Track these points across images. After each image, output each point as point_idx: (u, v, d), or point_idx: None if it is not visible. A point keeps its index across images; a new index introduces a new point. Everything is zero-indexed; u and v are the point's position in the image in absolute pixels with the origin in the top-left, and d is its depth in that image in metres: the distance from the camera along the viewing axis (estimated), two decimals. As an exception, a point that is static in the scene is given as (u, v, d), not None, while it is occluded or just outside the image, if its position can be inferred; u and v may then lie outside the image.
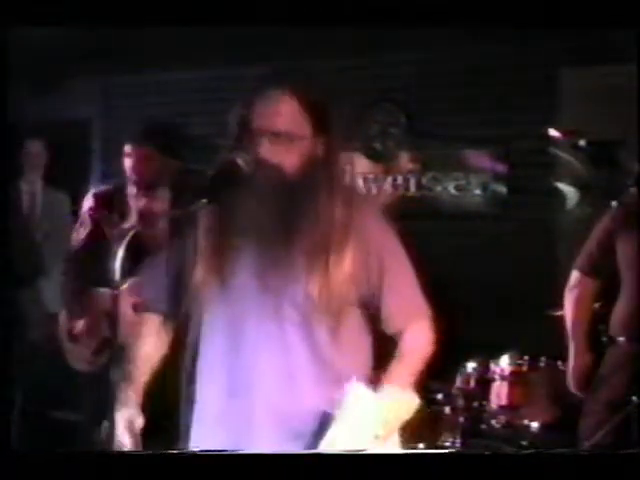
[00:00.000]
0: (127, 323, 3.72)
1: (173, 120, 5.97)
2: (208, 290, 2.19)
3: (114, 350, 2.16)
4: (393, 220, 2.29)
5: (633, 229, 3.40)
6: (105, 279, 3.73)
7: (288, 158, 2.13)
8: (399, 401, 2.11)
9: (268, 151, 2.12)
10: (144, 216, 3.81)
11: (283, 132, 2.13)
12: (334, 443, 2.02)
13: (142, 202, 3.84)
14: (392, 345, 2.24)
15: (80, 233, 3.93)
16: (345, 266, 2.14)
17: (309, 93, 2.17)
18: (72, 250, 3.91)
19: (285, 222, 2.14)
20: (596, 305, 3.64)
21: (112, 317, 3.69)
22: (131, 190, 3.87)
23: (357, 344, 2.23)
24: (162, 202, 3.82)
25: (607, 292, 3.60)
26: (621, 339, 3.41)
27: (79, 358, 3.85)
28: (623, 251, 3.44)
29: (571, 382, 3.57)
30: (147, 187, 3.82)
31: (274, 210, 2.14)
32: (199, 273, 2.18)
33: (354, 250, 2.15)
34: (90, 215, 3.91)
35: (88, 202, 3.96)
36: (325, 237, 2.13)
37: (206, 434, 2.19)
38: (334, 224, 2.14)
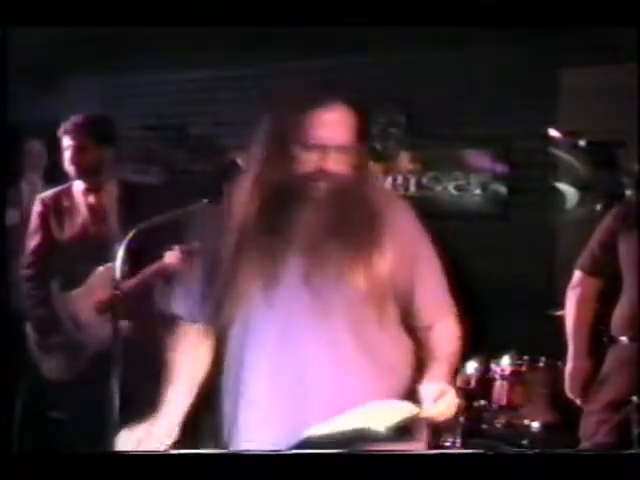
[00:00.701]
0: (89, 325, 3.71)
1: (173, 120, 6.00)
2: (253, 295, 2.20)
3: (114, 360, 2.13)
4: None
5: (635, 229, 3.40)
6: (66, 282, 3.75)
7: (344, 168, 2.18)
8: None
9: (330, 163, 2.16)
10: (94, 211, 3.79)
11: (344, 147, 2.17)
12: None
13: (90, 197, 3.82)
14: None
15: (33, 240, 3.87)
16: (385, 260, 2.20)
17: (354, 107, 2.23)
18: (28, 258, 3.86)
19: (334, 227, 2.19)
20: (597, 305, 3.64)
21: (76, 320, 3.70)
22: (78, 187, 3.84)
23: (399, 336, 2.29)
24: (110, 196, 3.80)
25: (608, 292, 3.60)
26: (623, 339, 3.40)
27: (54, 368, 3.79)
28: (625, 251, 3.44)
29: (568, 385, 3.56)
30: (90, 179, 3.79)
31: (326, 217, 2.18)
32: (243, 279, 2.19)
33: (390, 245, 2.21)
34: (40, 221, 3.86)
35: (37, 208, 3.91)
36: (367, 233, 2.19)
37: (259, 434, 2.20)
38: (374, 222, 2.20)
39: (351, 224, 2.19)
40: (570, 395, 3.56)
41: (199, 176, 5.40)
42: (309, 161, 2.14)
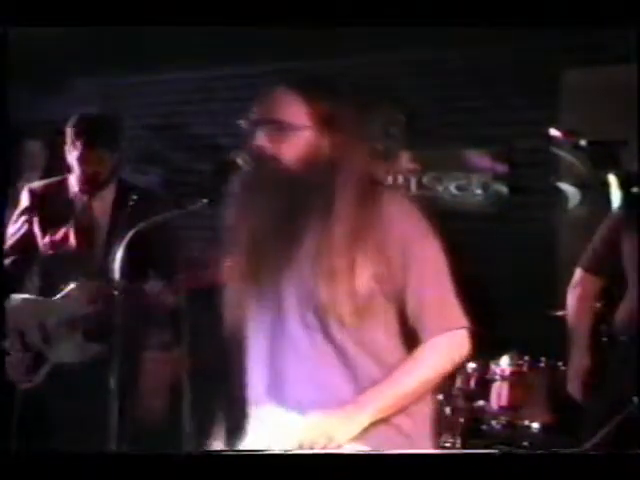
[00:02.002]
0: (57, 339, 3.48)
1: (173, 120, 6.00)
2: (241, 295, 2.17)
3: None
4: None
5: (636, 226, 3.40)
6: (42, 287, 3.56)
7: (286, 149, 2.08)
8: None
9: (264, 141, 2.08)
10: (87, 214, 3.64)
11: (278, 121, 2.08)
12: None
13: (85, 199, 3.65)
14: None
15: (14, 234, 3.64)
16: (357, 268, 2.04)
17: (309, 85, 2.13)
18: (6, 253, 3.57)
19: (288, 220, 2.09)
20: (598, 304, 3.64)
21: (44, 329, 3.51)
22: (74, 184, 3.66)
23: (386, 344, 2.13)
24: (105, 201, 3.66)
25: (610, 291, 3.60)
26: (625, 338, 3.40)
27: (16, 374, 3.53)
28: (629, 251, 3.43)
29: (569, 384, 3.56)
30: (95, 184, 3.63)
31: (276, 207, 2.09)
32: (233, 279, 2.17)
33: (372, 249, 2.05)
34: (25, 214, 3.63)
35: (24, 199, 3.66)
36: (330, 238, 2.04)
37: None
38: (346, 222, 2.05)
39: (305, 220, 2.07)
40: (571, 393, 3.56)
41: (199, 176, 5.40)
42: (249, 144, 2.09)
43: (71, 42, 5.03)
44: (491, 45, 4.77)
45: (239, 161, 2.11)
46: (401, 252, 2.08)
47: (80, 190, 3.65)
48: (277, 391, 2.12)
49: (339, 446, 2.00)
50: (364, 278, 2.05)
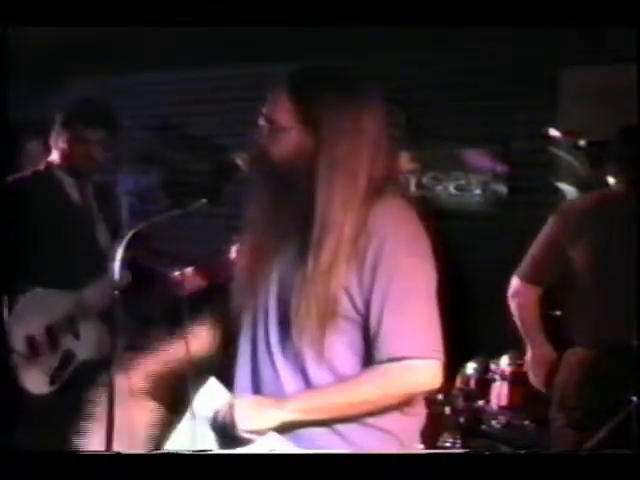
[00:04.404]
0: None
1: (173, 120, 6.00)
2: (241, 293, 2.19)
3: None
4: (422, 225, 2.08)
5: (587, 231, 3.35)
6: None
7: (275, 148, 2.07)
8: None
9: (259, 137, 2.10)
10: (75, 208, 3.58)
11: (266, 117, 2.09)
12: (179, 439, 2.03)
13: (74, 192, 3.61)
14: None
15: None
16: (333, 276, 1.97)
17: (300, 87, 2.09)
18: None
19: (275, 219, 2.09)
20: (540, 310, 3.57)
21: (72, 324, 3.37)
22: (64, 178, 3.59)
23: (346, 366, 2.05)
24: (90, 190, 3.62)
25: (552, 298, 3.55)
26: (578, 344, 3.36)
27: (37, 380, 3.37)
28: (578, 256, 3.37)
29: (530, 376, 3.52)
30: (83, 176, 3.58)
31: (266, 205, 2.10)
32: (236, 279, 2.19)
33: (350, 258, 1.98)
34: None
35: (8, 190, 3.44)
36: (306, 243, 2.01)
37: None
38: (322, 226, 1.99)
39: (289, 214, 2.06)
40: (534, 384, 3.52)
41: (199, 176, 5.41)
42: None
43: (71, 42, 5.03)
44: (491, 45, 4.77)
45: (239, 161, 2.11)
46: (373, 267, 1.98)
47: (70, 176, 3.58)
48: (254, 389, 2.13)
49: (255, 432, 2.00)
50: (335, 288, 1.98)
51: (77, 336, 3.47)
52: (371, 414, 2.03)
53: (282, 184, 2.07)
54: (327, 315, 1.99)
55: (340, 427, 2.04)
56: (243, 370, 2.16)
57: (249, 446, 2.00)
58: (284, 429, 2.01)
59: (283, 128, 2.07)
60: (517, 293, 3.52)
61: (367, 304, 2.00)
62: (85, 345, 3.46)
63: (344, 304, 2.00)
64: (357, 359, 2.04)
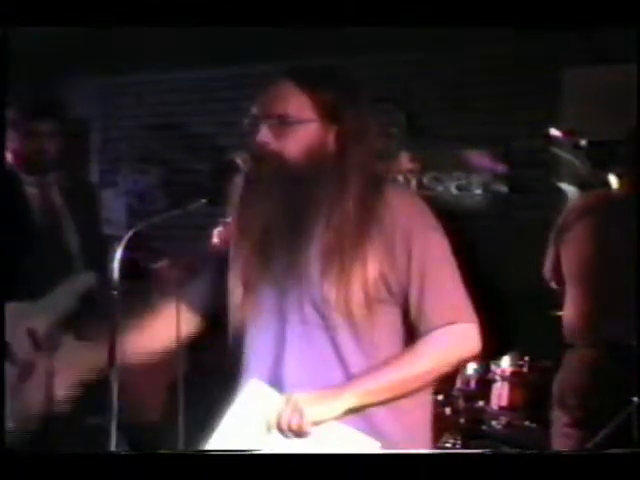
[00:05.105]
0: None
1: (173, 120, 6.00)
2: (239, 295, 2.15)
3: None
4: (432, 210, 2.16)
5: (588, 231, 3.35)
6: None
7: (289, 144, 2.05)
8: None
9: (265, 136, 2.06)
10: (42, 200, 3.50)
11: (279, 115, 2.06)
12: (224, 435, 2.02)
13: (37, 194, 3.53)
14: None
15: None
16: (368, 263, 2.02)
17: (311, 79, 2.09)
18: None
19: (294, 217, 2.07)
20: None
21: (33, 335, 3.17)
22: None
23: (386, 346, 2.09)
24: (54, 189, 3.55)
25: (556, 297, 3.57)
26: (578, 344, 3.36)
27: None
28: (570, 254, 3.38)
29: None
30: (42, 173, 3.50)
31: (281, 204, 2.08)
32: (231, 279, 2.16)
33: (379, 243, 2.04)
34: None
35: None
36: (339, 233, 2.03)
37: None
38: (350, 217, 2.03)
39: (310, 216, 2.05)
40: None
41: (199, 176, 5.40)
42: (252, 140, 2.07)
43: (71, 42, 5.02)
44: (491, 45, 4.77)
45: (239, 161, 2.11)
46: (406, 247, 2.05)
47: (28, 174, 3.50)
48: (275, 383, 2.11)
49: (312, 424, 2.00)
50: (372, 274, 2.03)
51: (38, 347, 3.33)
52: (422, 388, 2.10)
53: (301, 180, 2.05)
54: (367, 301, 2.03)
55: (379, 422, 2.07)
56: (288, 367, 2.11)
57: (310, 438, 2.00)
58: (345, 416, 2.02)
59: (300, 122, 2.05)
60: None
61: (403, 285, 2.05)
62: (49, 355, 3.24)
63: (382, 291, 2.05)
64: (398, 340, 2.10)
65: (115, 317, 2.02)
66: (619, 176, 3.54)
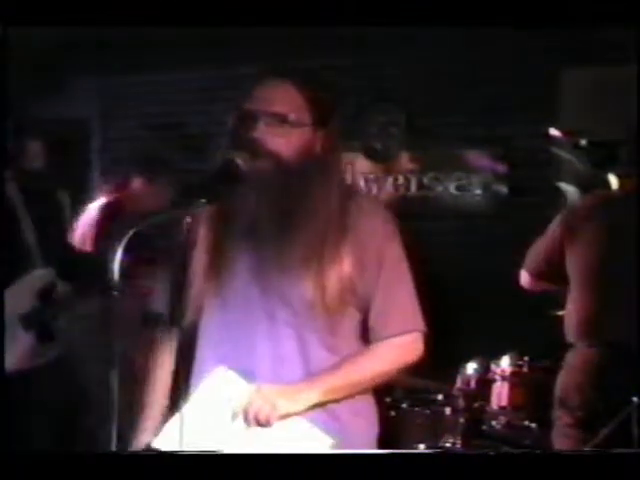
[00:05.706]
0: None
1: (173, 120, 5.99)
2: (207, 297, 2.16)
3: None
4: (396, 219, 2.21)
5: (588, 231, 3.35)
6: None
7: (284, 144, 2.07)
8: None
9: (263, 133, 2.07)
10: None
11: (279, 114, 2.07)
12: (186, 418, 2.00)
13: None
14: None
15: None
16: (342, 265, 2.08)
17: (309, 83, 2.12)
18: None
19: (279, 215, 2.10)
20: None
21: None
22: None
23: (350, 348, 2.16)
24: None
25: (556, 297, 3.56)
26: (580, 344, 3.35)
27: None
28: (578, 255, 3.37)
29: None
30: None
31: (269, 202, 2.10)
32: (197, 281, 2.15)
33: (351, 248, 2.10)
34: None
35: None
36: (320, 234, 2.07)
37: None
38: (330, 220, 2.08)
39: (294, 215, 2.08)
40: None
41: (199, 176, 5.39)
42: (243, 132, 2.07)
43: (71, 42, 5.03)
44: (491, 45, 4.77)
45: (239, 161, 2.10)
46: (376, 257, 2.13)
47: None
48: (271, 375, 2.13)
49: (281, 417, 2.03)
50: (346, 273, 2.09)
51: None
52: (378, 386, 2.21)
53: (285, 178, 2.08)
54: (339, 301, 2.09)
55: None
56: (258, 359, 2.12)
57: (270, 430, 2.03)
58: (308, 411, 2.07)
59: (296, 124, 2.08)
60: (525, 284, 3.58)
61: (368, 291, 2.13)
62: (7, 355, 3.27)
63: (348, 294, 2.11)
64: (356, 343, 2.18)
65: (115, 317, 2.02)
66: (619, 176, 3.54)
